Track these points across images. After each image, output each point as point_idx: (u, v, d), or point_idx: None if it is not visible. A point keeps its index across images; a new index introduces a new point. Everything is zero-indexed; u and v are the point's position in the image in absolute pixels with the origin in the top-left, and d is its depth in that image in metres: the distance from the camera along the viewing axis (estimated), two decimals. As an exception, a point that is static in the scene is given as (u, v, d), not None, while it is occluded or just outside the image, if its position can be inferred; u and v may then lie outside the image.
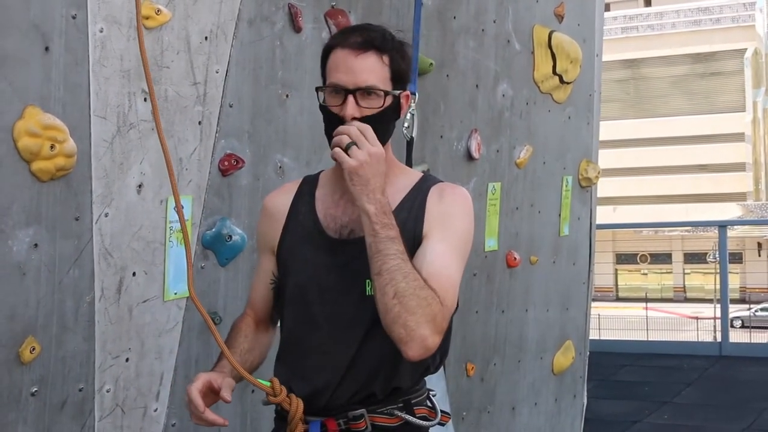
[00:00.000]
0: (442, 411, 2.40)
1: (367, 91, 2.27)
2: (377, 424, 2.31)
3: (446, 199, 2.35)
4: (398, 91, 2.33)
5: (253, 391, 3.11)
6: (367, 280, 2.24)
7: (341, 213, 2.37)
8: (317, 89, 2.35)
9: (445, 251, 2.26)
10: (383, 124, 2.31)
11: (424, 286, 2.14)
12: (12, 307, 2.66)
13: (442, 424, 2.41)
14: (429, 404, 2.41)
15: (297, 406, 2.29)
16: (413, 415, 2.34)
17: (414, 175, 2.45)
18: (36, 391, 2.74)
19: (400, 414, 2.33)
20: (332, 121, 2.29)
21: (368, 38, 2.28)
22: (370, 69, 2.27)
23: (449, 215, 2.32)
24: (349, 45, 2.27)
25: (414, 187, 2.38)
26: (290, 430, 2.29)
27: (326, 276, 2.33)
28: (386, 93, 2.29)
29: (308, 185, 2.48)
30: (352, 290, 2.30)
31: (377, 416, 2.31)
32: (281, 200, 2.49)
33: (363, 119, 2.26)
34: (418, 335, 2.13)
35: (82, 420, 2.90)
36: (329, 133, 2.30)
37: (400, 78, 2.33)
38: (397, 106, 2.35)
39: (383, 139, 2.30)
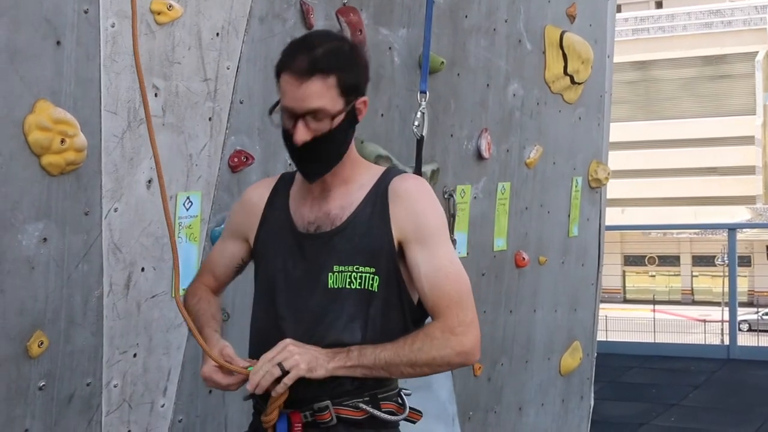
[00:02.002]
0: (411, 408, 2.43)
1: (316, 114, 2.30)
2: (342, 417, 2.33)
3: (409, 197, 2.39)
4: (351, 103, 2.35)
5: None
6: (330, 273, 2.35)
7: (308, 211, 2.44)
8: (271, 109, 2.41)
9: (433, 254, 2.34)
10: (337, 140, 2.35)
11: (411, 337, 2.29)
12: (21, 301, 2.66)
13: (413, 421, 2.43)
14: (399, 401, 2.43)
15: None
16: (379, 409, 2.36)
17: (376, 170, 2.49)
18: (44, 385, 2.75)
19: (365, 407, 2.35)
20: (288, 141, 2.35)
21: (312, 61, 2.27)
22: (316, 94, 2.28)
23: (418, 213, 2.37)
24: (294, 71, 2.28)
25: (376, 182, 2.43)
26: (266, 413, 2.34)
27: (293, 269, 2.41)
28: (336, 113, 2.31)
29: (285, 182, 2.55)
30: (317, 283, 2.37)
31: (342, 408, 2.34)
32: (261, 194, 2.56)
33: (315, 139, 2.30)
34: (457, 361, 2.33)
35: (89, 414, 2.90)
36: (288, 149, 2.38)
37: (352, 89, 2.34)
38: (353, 115, 2.37)
39: (341, 151, 2.38)
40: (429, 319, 2.40)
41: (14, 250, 2.63)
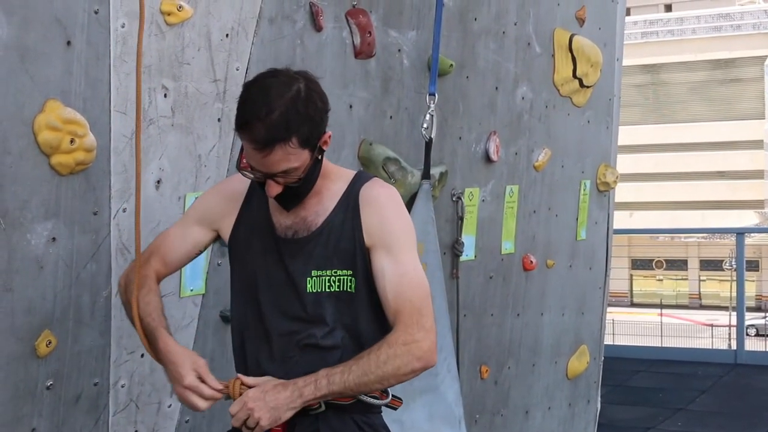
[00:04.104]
0: (393, 396, 2.52)
1: (285, 173, 2.35)
2: (331, 403, 2.40)
3: (377, 204, 2.45)
4: (315, 147, 2.38)
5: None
6: (308, 278, 2.42)
7: (284, 217, 2.50)
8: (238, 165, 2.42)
9: (397, 261, 2.41)
10: (309, 181, 2.41)
11: (374, 352, 2.33)
12: (29, 301, 2.67)
13: (394, 408, 2.53)
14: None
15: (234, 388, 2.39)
16: (364, 394, 2.43)
17: (346, 176, 2.54)
18: (51, 384, 2.75)
19: None
20: (260, 186, 2.41)
21: (269, 129, 2.27)
22: (280, 161, 2.32)
23: (384, 221, 2.44)
24: (253, 140, 2.30)
25: (347, 189, 2.49)
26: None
27: (274, 271, 2.47)
28: (303, 165, 2.36)
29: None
30: (296, 288, 2.44)
31: None
32: (239, 189, 2.59)
33: (287, 188, 2.37)
34: (419, 366, 2.37)
35: (96, 414, 2.90)
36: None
37: (314, 137, 2.36)
38: (320, 151, 2.41)
39: (313, 184, 2.44)
40: None
41: (23, 249, 2.63)
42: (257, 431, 2.32)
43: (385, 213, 2.46)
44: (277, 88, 2.31)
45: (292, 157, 2.32)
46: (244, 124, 2.30)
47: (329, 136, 2.41)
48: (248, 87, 2.37)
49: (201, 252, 2.67)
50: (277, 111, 2.27)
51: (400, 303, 2.38)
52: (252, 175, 2.39)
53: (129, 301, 2.51)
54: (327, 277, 2.43)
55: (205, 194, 2.73)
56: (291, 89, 2.31)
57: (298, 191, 2.41)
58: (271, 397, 2.32)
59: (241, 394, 2.36)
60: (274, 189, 2.36)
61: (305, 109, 2.31)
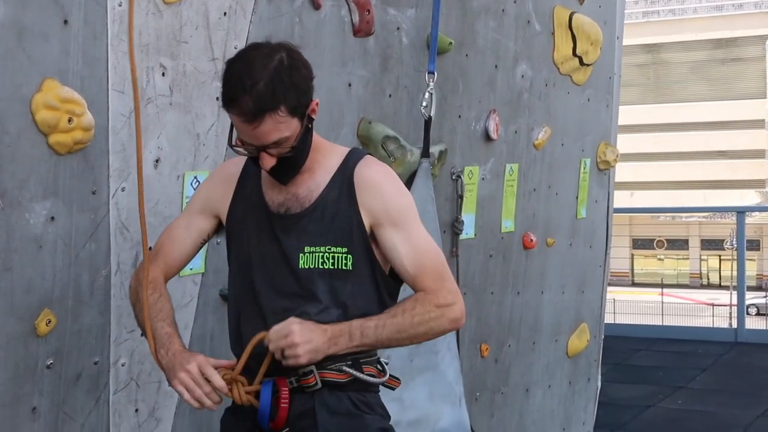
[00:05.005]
0: (391, 375, 2.54)
1: (277, 143, 2.35)
2: (327, 380, 2.42)
3: (377, 183, 2.48)
4: (304, 116, 2.38)
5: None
6: (301, 254, 2.43)
7: (277, 193, 2.51)
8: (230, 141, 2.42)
9: (409, 235, 2.46)
10: (301, 150, 2.42)
11: (409, 311, 2.39)
12: (28, 280, 2.67)
13: (392, 388, 2.55)
14: (378, 366, 2.52)
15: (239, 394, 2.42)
16: (362, 372, 2.46)
17: (338, 152, 2.55)
18: (51, 363, 2.76)
19: (348, 370, 2.44)
20: (254, 162, 2.42)
21: (257, 101, 2.28)
22: (270, 131, 2.32)
23: (387, 198, 2.47)
24: (241, 113, 2.30)
25: (340, 165, 2.50)
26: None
27: (267, 247, 2.47)
28: (294, 134, 2.37)
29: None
30: (288, 264, 2.45)
31: (327, 372, 2.42)
32: (233, 172, 2.61)
33: (281, 159, 2.38)
34: (450, 327, 2.47)
35: (96, 393, 2.91)
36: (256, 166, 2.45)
37: (302, 105, 2.37)
38: (309, 120, 2.42)
39: (306, 154, 2.44)
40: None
41: (22, 229, 2.63)
42: (289, 363, 2.33)
43: (386, 192, 2.48)
44: (259, 60, 2.32)
45: (282, 126, 2.32)
46: (231, 99, 2.31)
47: (317, 104, 2.42)
48: (231, 63, 2.37)
49: (206, 241, 2.68)
50: (262, 82, 2.28)
51: (422, 272, 2.44)
52: (245, 151, 2.39)
53: (139, 302, 2.53)
54: (320, 254, 2.43)
55: (203, 183, 2.75)
56: (273, 59, 2.32)
57: (292, 162, 2.41)
58: (314, 337, 2.33)
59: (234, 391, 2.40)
60: (268, 161, 2.37)
61: (290, 78, 2.32)
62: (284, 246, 2.45)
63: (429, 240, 2.51)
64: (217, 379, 2.36)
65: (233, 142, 2.41)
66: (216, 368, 2.38)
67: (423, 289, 2.44)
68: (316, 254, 2.43)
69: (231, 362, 2.44)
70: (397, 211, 2.47)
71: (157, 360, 2.45)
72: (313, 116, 2.43)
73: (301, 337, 2.31)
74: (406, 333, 2.39)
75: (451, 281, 2.48)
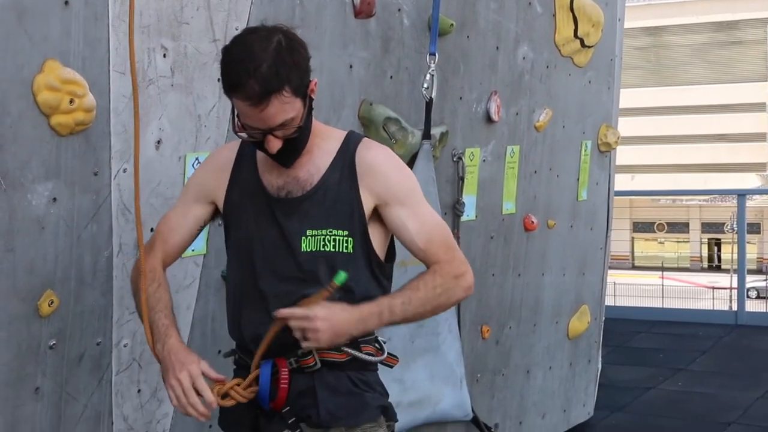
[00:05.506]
0: (389, 354, 2.56)
1: (282, 125, 2.35)
2: (326, 360, 2.44)
3: (380, 165, 2.50)
4: (306, 96, 2.39)
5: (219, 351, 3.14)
6: (303, 238, 2.43)
7: (276, 176, 2.50)
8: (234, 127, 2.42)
9: (417, 212, 2.50)
10: (305, 131, 2.42)
11: (430, 283, 2.44)
12: (31, 261, 2.67)
13: (390, 366, 2.57)
14: (377, 345, 2.55)
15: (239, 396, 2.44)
16: (360, 351, 2.48)
17: (336, 135, 2.56)
18: (54, 344, 2.76)
19: (347, 349, 2.46)
20: (259, 146, 2.42)
21: (262, 83, 2.27)
22: (277, 113, 2.32)
23: (392, 179, 2.50)
24: (247, 97, 2.29)
25: (340, 148, 2.51)
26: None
27: (267, 231, 2.47)
28: (299, 115, 2.37)
29: (249, 146, 2.55)
30: (290, 247, 2.44)
31: (326, 352, 2.44)
32: (228, 156, 2.60)
33: (286, 141, 2.38)
34: (464, 295, 2.52)
35: (99, 374, 2.92)
36: (259, 150, 2.45)
37: (304, 85, 2.37)
38: (310, 100, 2.42)
39: (308, 134, 2.45)
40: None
41: (24, 210, 2.64)
42: (309, 345, 2.34)
43: (389, 172, 2.50)
44: (258, 43, 2.31)
45: (288, 107, 2.32)
46: (235, 84, 2.30)
47: (315, 84, 2.43)
48: (229, 49, 2.36)
49: (203, 227, 2.67)
50: (265, 64, 2.27)
51: (433, 245, 2.49)
52: (249, 137, 2.39)
53: (138, 292, 2.52)
54: (322, 237, 2.43)
55: (197, 170, 2.74)
56: (272, 41, 2.31)
57: (296, 144, 2.41)
58: (337, 320, 2.34)
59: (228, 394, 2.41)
60: (274, 144, 2.37)
61: (291, 58, 2.32)
62: (285, 230, 2.45)
63: (435, 214, 2.56)
64: (208, 395, 2.36)
65: (235, 128, 2.40)
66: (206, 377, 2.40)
67: (436, 261, 2.47)
68: (318, 237, 2.43)
69: (222, 377, 2.44)
70: (402, 189, 2.50)
71: (155, 354, 2.46)
72: (313, 96, 2.43)
73: (321, 321, 2.32)
74: (430, 305, 2.44)
75: (459, 251, 2.54)
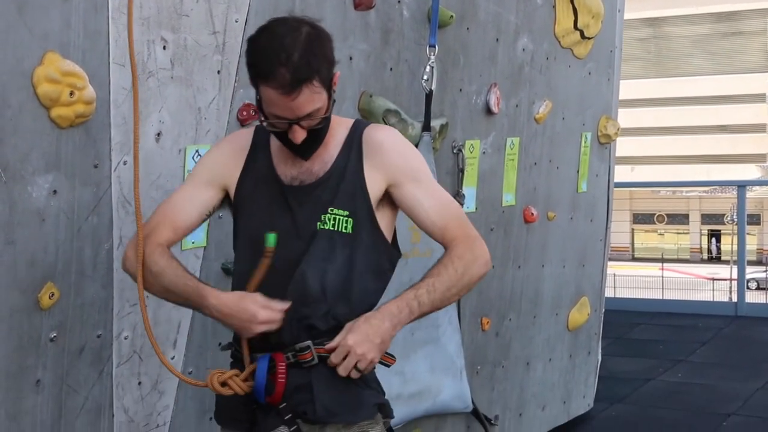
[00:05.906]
0: (386, 353, 2.50)
1: (310, 115, 2.36)
2: (324, 355, 2.41)
3: (389, 145, 2.51)
4: (331, 88, 2.40)
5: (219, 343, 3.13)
6: (318, 223, 2.43)
7: (290, 167, 2.50)
8: (257, 103, 2.41)
9: (428, 188, 2.52)
10: (327, 123, 2.44)
11: (451, 265, 2.42)
12: (31, 253, 2.68)
13: (386, 365, 2.51)
14: None
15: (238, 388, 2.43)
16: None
17: (345, 123, 2.57)
18: (55, 336, 2.77)
19: None
20: (283, 138, 2.42)
21: (294, 72, 2.27)
22: (307, 102, 2.33)
23: (403, 157, 2.51)
24: (278, 85, 2.29)
25: (348, 134, 2.52)
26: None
27: (280, 220, 2.46)
28: (325, 106, 2.38)
29: (262, 134, 2.55)
30: (303, 234, 2.43)
31: (323, 348, 2.41)
32: (243, 144, 2.58)
33: (310, 132, 2.39)
34: (485, 270, 2.49)
35: (100, 366, 2.93)
36: (282, 142, 2.44)
37: (330, 77, 2.39)
38: (333, 92, 2.43)
39: (328, 127, 2.45)
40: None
41: (24, 202, 2.64)
42: (367, 371, 2.37)
43: (400, 151, 2.52)
44: (288, 33, 2.32)
45: (317, 97, 2.33)
46: (267, 73, 2.29)
47: (338, 76, 2.43)
48: (256, 38, 2.35)
49: (211, 214, 2.61)
50: (296, 53, 2.28)
51: (448, 222, 2.48)
52: (273, 127, 2.38)
53: (135, 271, 2.51)
54: (325, 215, 2.43)
55: (208, 154, 2.70)
56: (301, 32, 2.32)
57: (318, 135, 2.42)
58: (373, 333, 2.34)
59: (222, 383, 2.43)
60: (299, 134, 2.37)
61: (320, 49, 2.33)
62: (298, 217, 2.44)
63: (446, 194, 2.57)
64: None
65: (260, 118, 2.41)
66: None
67: (453, 238, 2.46)
68: (325, 217, 2.43)
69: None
70: (414, 168, 2.51)
71: (161, 359, 2.50)
72: (335, 88, 2.43)
73: (361, 348, 2.33)
74: (456, 288, 2.43)
75: (472, 227, 2.53)
